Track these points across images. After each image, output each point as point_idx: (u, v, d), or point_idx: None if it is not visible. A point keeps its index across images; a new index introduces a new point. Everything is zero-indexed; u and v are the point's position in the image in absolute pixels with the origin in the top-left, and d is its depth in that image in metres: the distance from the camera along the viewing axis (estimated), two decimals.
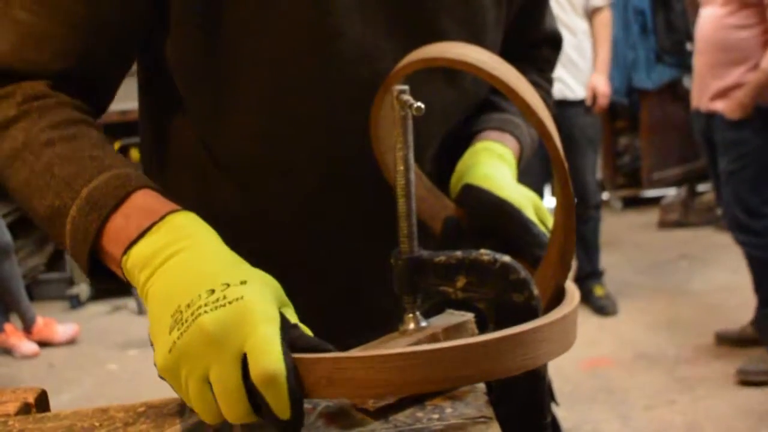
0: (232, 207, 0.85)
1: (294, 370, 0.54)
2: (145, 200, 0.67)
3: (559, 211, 0.66)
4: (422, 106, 0.60)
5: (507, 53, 0.96)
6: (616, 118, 5.59)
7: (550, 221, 0.78)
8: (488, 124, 0.91)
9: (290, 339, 0.56)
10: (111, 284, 0.71)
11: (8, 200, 4.50)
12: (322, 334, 0.60)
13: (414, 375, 0.53)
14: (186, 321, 0.56)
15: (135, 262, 0.63)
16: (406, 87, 0.62)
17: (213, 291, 0.57)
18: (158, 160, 0.91)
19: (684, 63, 5.42)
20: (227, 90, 0.79)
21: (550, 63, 1.07)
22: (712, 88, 2.97)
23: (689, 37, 5.37)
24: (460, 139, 0.90)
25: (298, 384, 0.54)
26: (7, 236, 3.76)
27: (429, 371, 0.53)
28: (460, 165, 0.84)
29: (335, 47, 0.78)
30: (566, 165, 0.62)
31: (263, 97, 0.79)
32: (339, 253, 0.87)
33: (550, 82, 1.07)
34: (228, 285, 0.58)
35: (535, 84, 1.00)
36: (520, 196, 0.78)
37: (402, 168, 0.62)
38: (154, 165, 0.92)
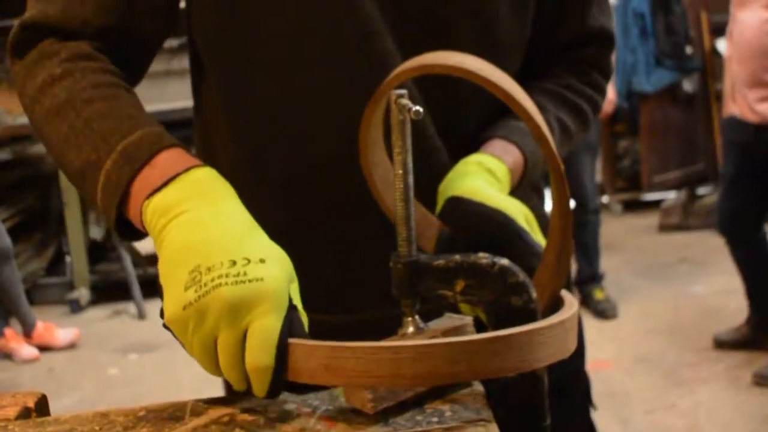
0: (241, 175, 0.85)
1: (282, 364, 0.59)
2: (172, 156, 0.71)
3: (555, 215, 0.66)
4: (420, 110, 0.60)
5: (541, 51, 0.93)
6: (616, 121, 5.59)
7: (540, 235, 0.76)
8: (497, 132, 0.88)
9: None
10: (132, 237, 0.76)
11: (8, 204, 4.50)
12: (312, 308, 0.66)
13: (403, 368, 0.55)
14: (205, 285, 0.60)
15: (155, 209, 0.67)
16: (404, 91, 0.62)
17: (234, 263, 0.61)
18: (199, 130, 0.97)
19: (683, 66, 5.43)
20: (243, 57, 0.84)
21: (595, 64, 0.97)
22: (756, 96, 2.92)
23: (689, 40, 5.39)
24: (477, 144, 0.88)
25: (281, 377, 0.60)
26: (7, 240, 3.76)
27: (419, 365, 0.54)
28: (447, 177, 0.82)
29: (345, 23, 0.81)
30: (562, 168, 0.63)
31: (275, 65, 0.83)
32: (338, 226, 0.88)
33: (594, 86, 0.97)
34: (248, 261, 0.61)
35: (570, 88, 0.95)
36: (510, 205, 0.75)
37: (400, 172, 0.62)
38: (197, 134, 0.99)
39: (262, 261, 0.62)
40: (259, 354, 0.59)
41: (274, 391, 0.61)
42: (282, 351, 0.60)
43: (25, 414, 0.72)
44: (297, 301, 0.64)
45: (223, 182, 0.70)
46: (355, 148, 0.77)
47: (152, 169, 0.70)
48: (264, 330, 0.60)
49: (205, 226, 0.64)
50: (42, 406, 0.74)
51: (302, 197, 0.88)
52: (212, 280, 0.60)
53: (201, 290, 0.60)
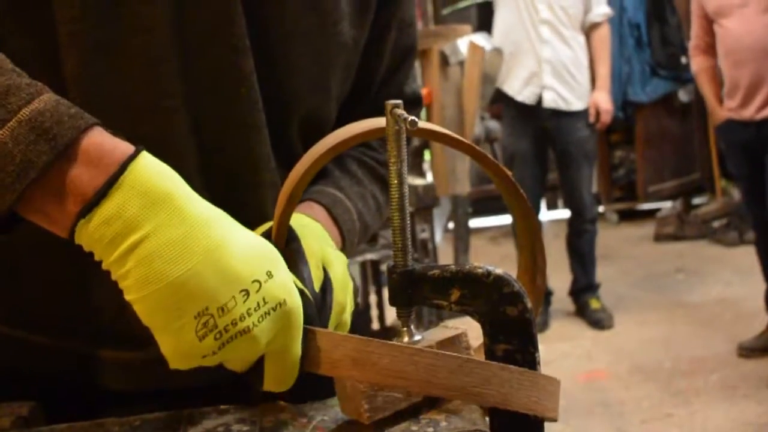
0: None
1: (296, 382, 0.59)
2: (96, 140, 0.55)
3: (518, 219, 0.68)
4: (416, 120, 0.60)
5: (369, 112, 0.83)
6: (611, 131, 5.62)
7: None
8: (320, 198, 0.85)
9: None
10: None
11: None
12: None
13: (439, 377, 0.54)
14: (227, 330, 0.53)
15: (106, 221, 0.53)
16: (399, 101, 0.62)
17: (247, 293, 0.54)
18: None
19: (679, 76, 5.45)
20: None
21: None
22: (762, 97, 3.01)
23: (684, 50, 5.42)
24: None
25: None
26: None
27: (455, 378, 0.54)
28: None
29: (217, 36, 0.74)
30: (509, 173, 0.65)
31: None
32: None
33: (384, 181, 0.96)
34: (259, 283, 0.55)
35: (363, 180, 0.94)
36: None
37: (396, 182, 0.63)
38: None
39: (269, 275, 0.56)
40: (281, 384, 0.60)
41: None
42: (301, 368, 0.60)
43: (19, 423, 0.71)
44: (299, 282, 0.61)
45: (165, 168, 0.56)
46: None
47: (69, 163, 0.54)
48: (288, 362, 0.59)
49: (182, 255, 0.52)
50: (36, 416, 0.74)
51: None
52: (233, 323, 0.54)
53: (222, 336, 0.54)
